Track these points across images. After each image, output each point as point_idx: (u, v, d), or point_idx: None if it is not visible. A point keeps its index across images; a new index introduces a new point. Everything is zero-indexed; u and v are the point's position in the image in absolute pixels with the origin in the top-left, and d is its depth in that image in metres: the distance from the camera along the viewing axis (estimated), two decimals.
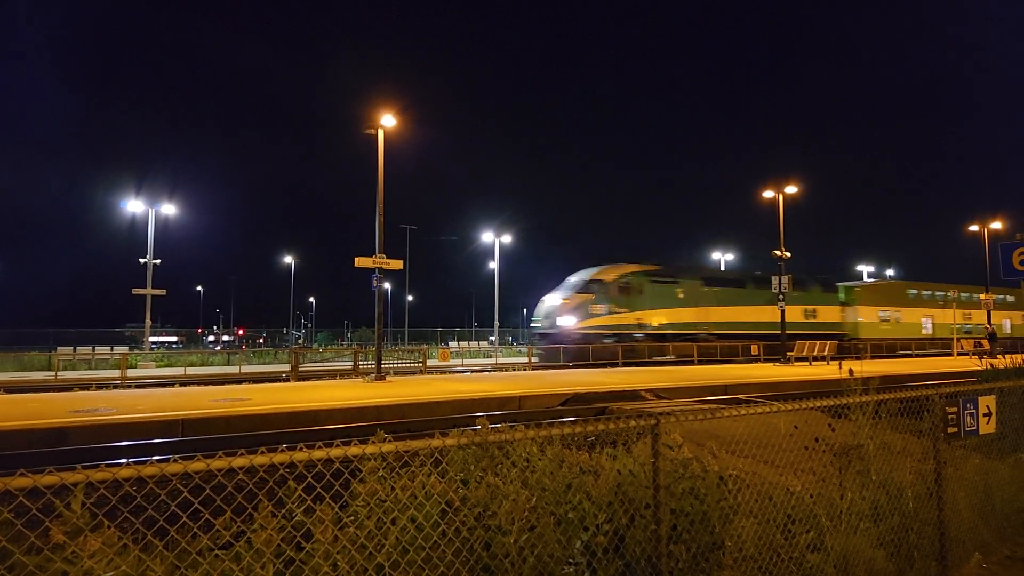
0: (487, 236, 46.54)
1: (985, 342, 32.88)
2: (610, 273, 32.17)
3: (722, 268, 51.96)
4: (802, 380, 19.30)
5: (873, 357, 32.78)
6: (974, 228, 38.84)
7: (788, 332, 35.00)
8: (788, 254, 29.96)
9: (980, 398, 5.35)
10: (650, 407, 12.95)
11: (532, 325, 33.95)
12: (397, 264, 20.20)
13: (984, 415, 5.35)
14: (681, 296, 33.21)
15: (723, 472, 4.24)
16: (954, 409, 5.12)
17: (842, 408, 5.04)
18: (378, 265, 19.57)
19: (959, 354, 35.99)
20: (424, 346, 24.71)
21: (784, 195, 30.40)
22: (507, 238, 47.02)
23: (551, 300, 32.03)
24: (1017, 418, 6.37)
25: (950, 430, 5.08)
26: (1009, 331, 48.24)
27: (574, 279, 32.77)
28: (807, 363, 28.07)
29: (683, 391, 16.35)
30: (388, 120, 20.04)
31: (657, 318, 32.19)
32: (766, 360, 32.17)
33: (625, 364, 28.75)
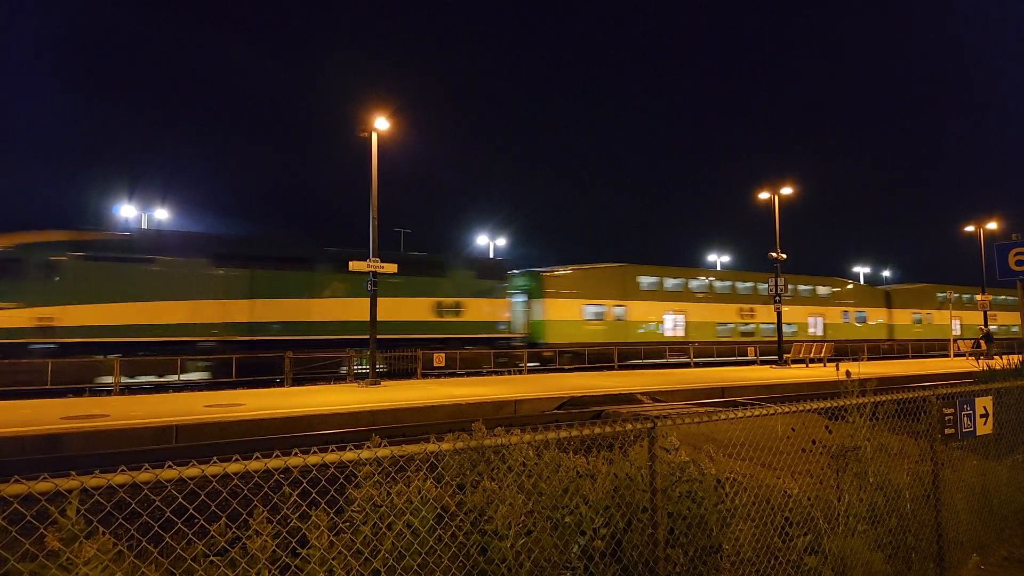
0: (482, 239, 46.52)
1: (983, 343, 33.14)
2: None
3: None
4: (799, 382, 19.34)
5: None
6: (970, 229, 38.99)
7: (404, 336, 24.96)
8: (784, 256, 30.06)
9: (977, 399, 5.36)
10: (647, 410, 12.95)
11: None
12: (392, 268, 20.19)
13: (981, 416, 5.35)
14: (157, 283, 20.95)
15: (720, 475, 4.24)
16: (951, 410, 5.12)
17: (839, 410, 5.04)
18: (372, 269, 19.55)
19: (956, 355, 36.16)
20: (419, 350, 24.49)
21: (780, 196, 30.53)
22: (502, 240, 47.00)
23: None
24: (1014, 419, 6.38)
25: (947, 431, 5.08)
26: (821, 331, 39.70)
27: None
28: (804, 365, 28.20)
29: (680, 394, 16.36)
30: (382, 123, 20.05)
31: (93, 317, 20.05)
32: (763, 362, 32.21)
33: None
